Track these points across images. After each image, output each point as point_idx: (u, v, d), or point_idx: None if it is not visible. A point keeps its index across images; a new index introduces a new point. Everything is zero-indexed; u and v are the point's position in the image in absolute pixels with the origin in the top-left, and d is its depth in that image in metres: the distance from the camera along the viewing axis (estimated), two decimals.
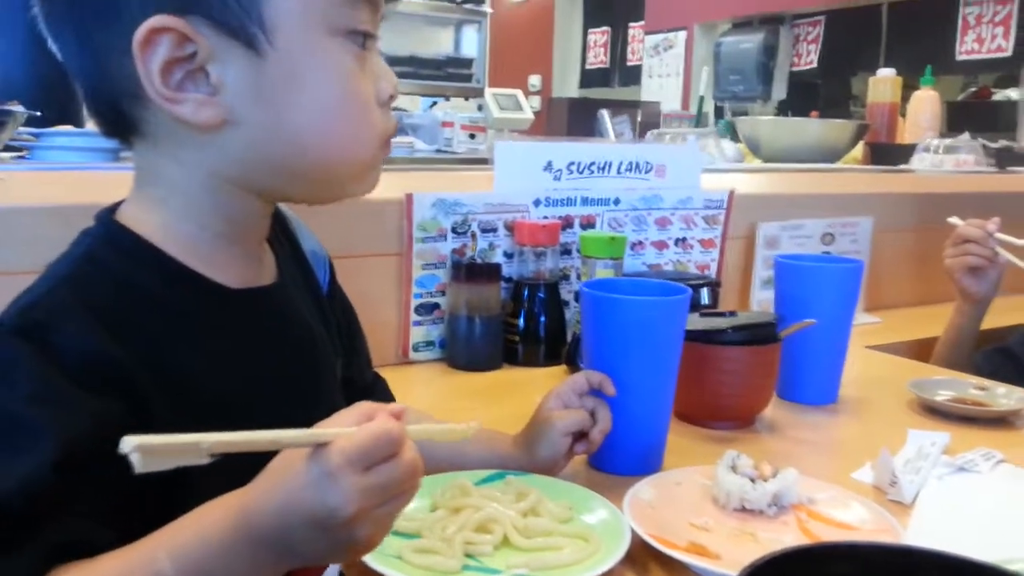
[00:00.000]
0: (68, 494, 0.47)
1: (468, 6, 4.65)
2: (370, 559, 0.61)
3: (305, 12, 0.54)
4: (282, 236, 0.69)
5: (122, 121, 0.56)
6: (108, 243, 0.56)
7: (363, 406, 0.49)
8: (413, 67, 4.11)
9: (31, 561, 0.45)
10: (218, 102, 0.53)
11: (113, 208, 0.58)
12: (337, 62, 0.55)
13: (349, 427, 0.46)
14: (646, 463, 0.82)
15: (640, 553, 0.67)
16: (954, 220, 1.37)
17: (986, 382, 1.10)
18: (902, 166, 2.08)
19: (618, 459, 0.82)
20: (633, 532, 0.66)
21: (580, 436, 0.78)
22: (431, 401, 1.10)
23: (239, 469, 0.47)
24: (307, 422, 0.55)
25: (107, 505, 0.48)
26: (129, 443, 0.40)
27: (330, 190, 0.60)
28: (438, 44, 4.83)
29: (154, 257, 0.56)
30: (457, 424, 0.52)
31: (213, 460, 0.43)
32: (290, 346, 0.63)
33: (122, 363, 0.51)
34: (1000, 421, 1.02)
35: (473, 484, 0.72)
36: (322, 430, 0.46)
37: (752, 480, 0.72)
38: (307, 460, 0.46)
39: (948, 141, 2.21)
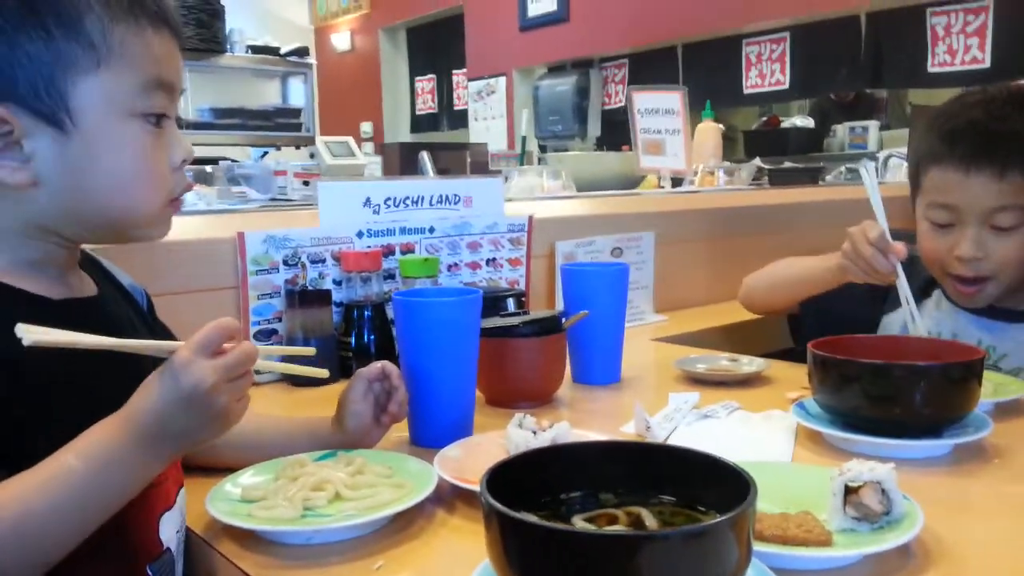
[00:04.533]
0: None
1: (292, 58, 4.78)
2: (224, 516, 0.75)
3: (107, 101, 0.70)
4: (97, 273, 0.83)
5: None
6: None
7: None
8: (241, 119, 4.18)
9: None
10: (29, 168, 0.69)
11: None
12: (132, 139, 0.72)
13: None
14: (456, 434, 0.99)
15: (448, 496, 0.84)
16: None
17: (735, 355, 1.36)
18: (682, 188, 2.39)
19: (432, 433, 0.99)
20: (441, 479, 0.83)
21: (384, 410, 0.94)
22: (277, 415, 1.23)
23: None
24: None
25: None
26: (23, 328, 0.59)
27: (124, 235, 0.77)
28: (265, 96, 4.91)
29: None
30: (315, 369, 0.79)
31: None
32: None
33: None
34: (744, 382, 1.27)
35: (311, 461, 0.87)
36: (169, 342, 0.66)
37: (534, 432, 0.91)
38: (166, 365, 0.63)
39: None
